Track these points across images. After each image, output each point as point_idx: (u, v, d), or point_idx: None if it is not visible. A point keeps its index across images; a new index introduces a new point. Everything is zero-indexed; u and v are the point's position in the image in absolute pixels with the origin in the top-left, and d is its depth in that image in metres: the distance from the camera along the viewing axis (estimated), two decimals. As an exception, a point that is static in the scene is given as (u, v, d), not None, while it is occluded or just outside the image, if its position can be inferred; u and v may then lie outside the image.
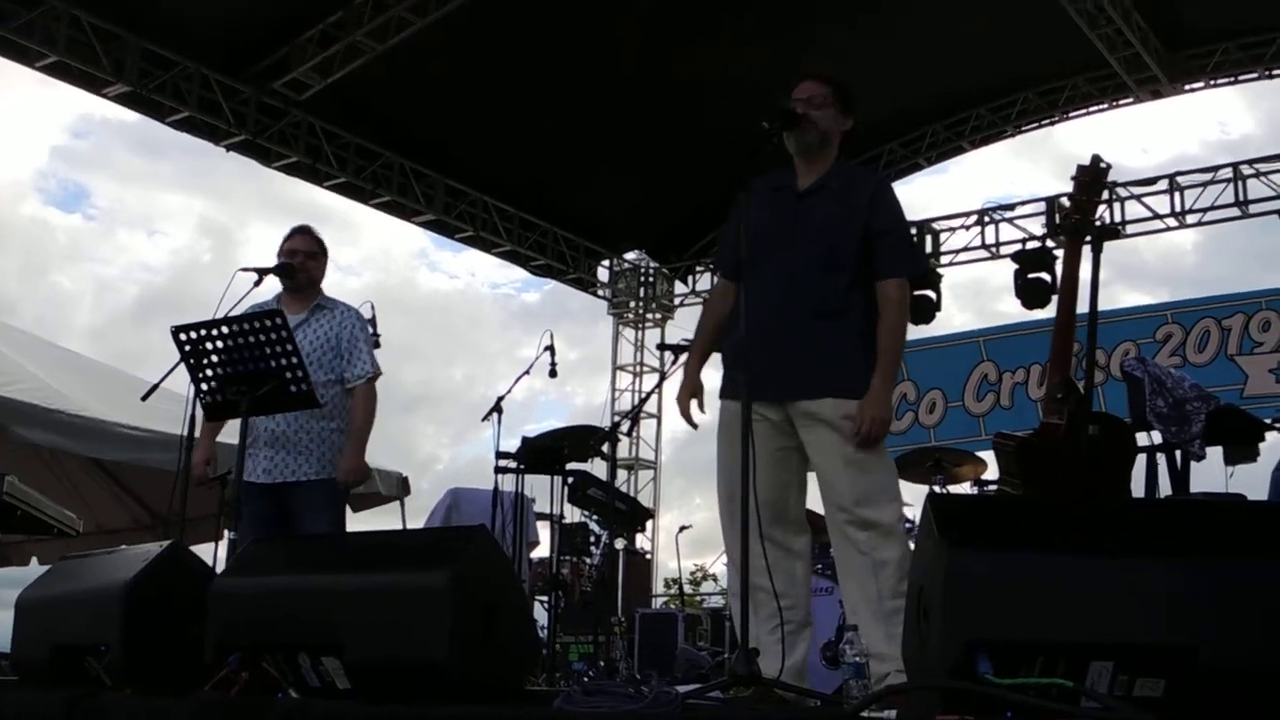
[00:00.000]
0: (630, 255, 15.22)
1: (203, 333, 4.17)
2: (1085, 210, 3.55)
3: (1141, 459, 4.91)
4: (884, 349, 3.62)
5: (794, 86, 3.82)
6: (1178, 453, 5.06)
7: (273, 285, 5.07)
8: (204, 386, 4.26)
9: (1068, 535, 2.44)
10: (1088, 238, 3.55)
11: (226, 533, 4.44)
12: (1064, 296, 3.59)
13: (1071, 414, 3.44)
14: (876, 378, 3.57)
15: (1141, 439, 4.92)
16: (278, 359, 4.15)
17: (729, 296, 3.84)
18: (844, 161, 3.88)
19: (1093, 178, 3.55)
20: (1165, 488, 5.07)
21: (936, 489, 6.68)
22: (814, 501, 3.86)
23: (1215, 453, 5.34)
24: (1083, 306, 3.62)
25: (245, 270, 4.81)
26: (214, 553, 5.89)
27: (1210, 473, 5.44)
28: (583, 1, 10.14)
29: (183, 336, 4.19)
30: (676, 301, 15.32)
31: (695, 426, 3.85)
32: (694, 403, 3.89)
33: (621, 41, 10.73)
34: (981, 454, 7.11)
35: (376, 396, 4.98)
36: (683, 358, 6.03)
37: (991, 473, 6.76)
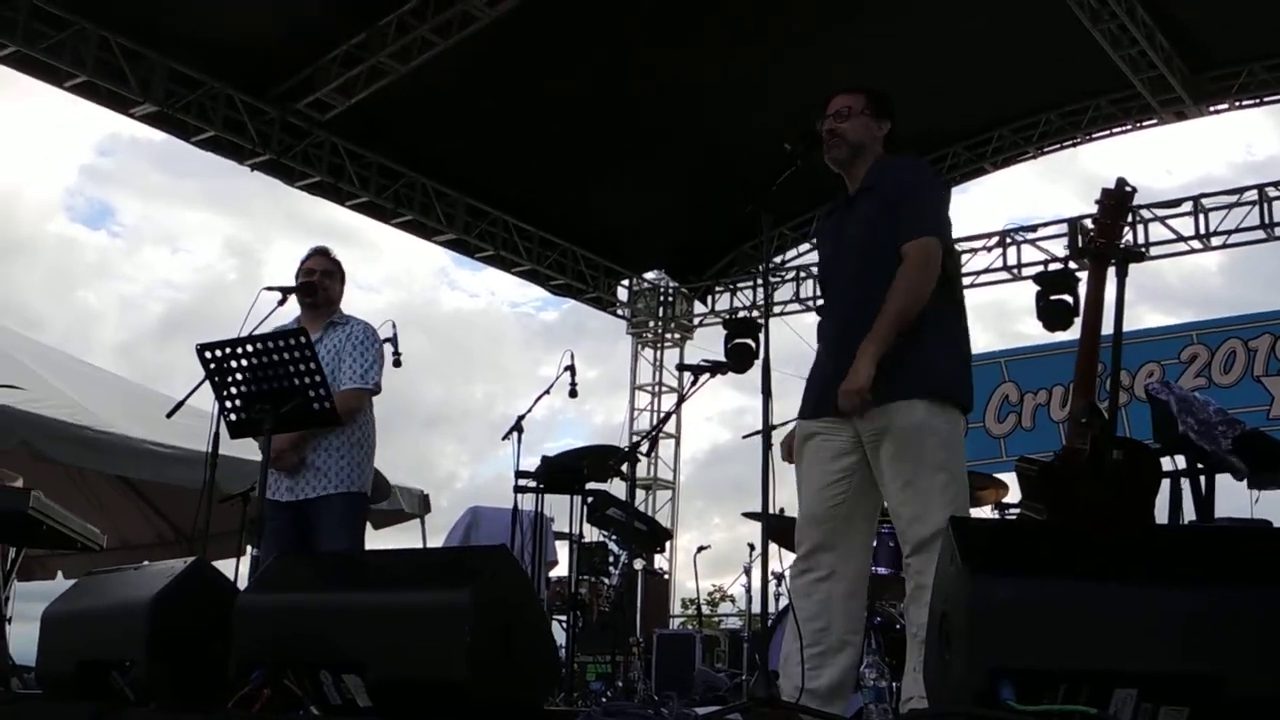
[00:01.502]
0: (650, 275, 15.24)
1: (227, 351, 4.20)
2: (1110, 234, 3.54)
3: (1166, 484, 4.88)
4: (885, 306, 3.40)
5: (826, 104, 3.78)
6: (1203, 478, 5.02)
7: (294, 306, 5.09)
8: (228, 404, 4.29)
9: (1091, 562, 2.43)
10: (1112, 261, 3.54)
11: (249, 549, 4.46)
12: (1088, 321, 3.57)
13: (1095, 439, 3.42)
14: (865, 341, 3.37)
15: (1165, 463, 4.89)
16: (301, 377, 4.18)
17: None
18: (884, 156, 3.72)
19: (1117, 201, 3.54)
20: (1190, 513, 5.03)
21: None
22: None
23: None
24: (1107, 329, 3.61)
25: (270, 289, 4.83)
26: (236, 569, 5.91)
27: (1235, 498, 5.39)
28: (604, 22, 10.19)
29: (207, 355, 4.22)
30: (696, 321, 15.33)
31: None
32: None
33: (643, 61, 10.77)
34: (1002, 476, 7.06)
35: (360, 410, 4.84)
36: (703, 378, 6.07)
37: (1013, 496, 6.71)
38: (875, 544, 5.59)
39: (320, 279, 5.01)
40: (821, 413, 3.56)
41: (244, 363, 4.20)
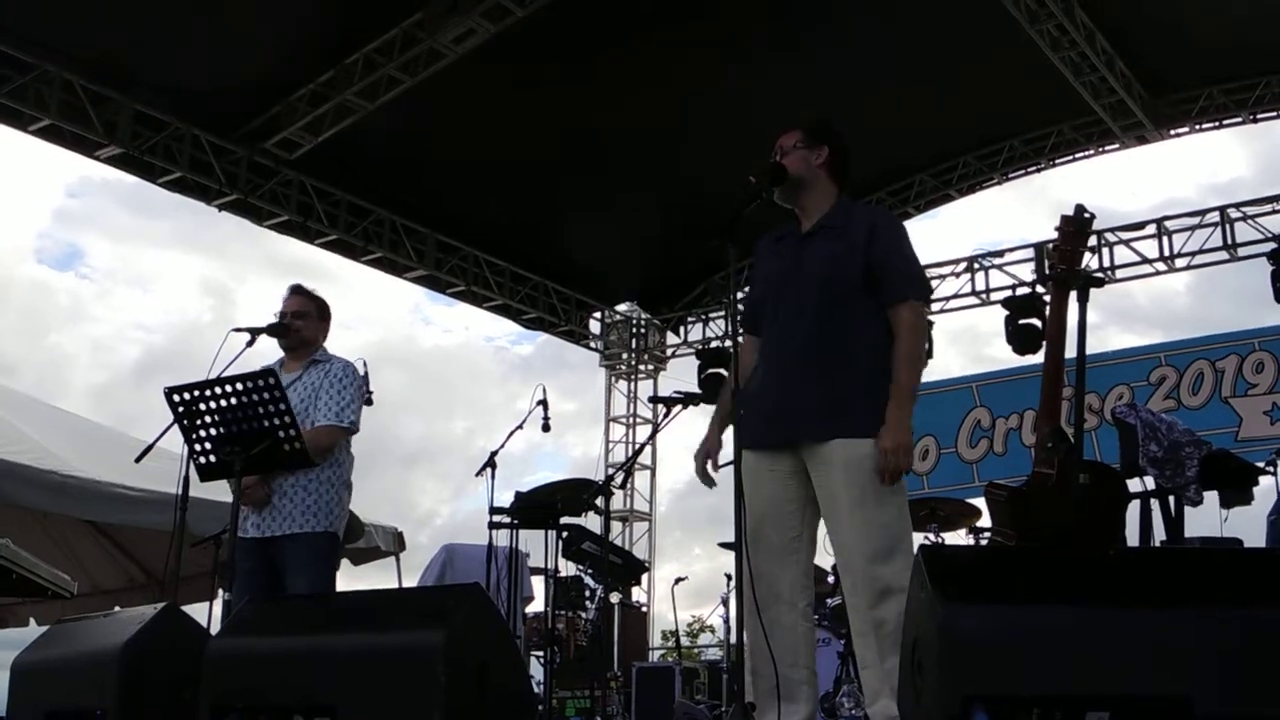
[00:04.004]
0: (622, 307, 15.26)
1: (196, 394, 4.18)
2: (1070, 260, 3.59)
3: (1136, 505, 4.91)
4: (899, 376, 3.52)
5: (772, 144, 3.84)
6: (1171, 498, 5.06)
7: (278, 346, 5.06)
8: (198, 447, 4.26)
9: (1061, 586, 2.45)
10: (1073, 287, 3.58)
11: (221, 592, 4.42)
12: (1051, 347, 3.61)
13: (1062, 463, 3.45)
14: (893, 406, 3.46)
15: (1134, 485, 4.93)
16: (271, 419, 4.16)
17: (749, 352, 3.84)
18: (845, 199, 3.82)
19: (1077, 228, 3.59)
20: (1160, 534, 5.06)
21: (930, 537, 6.67)
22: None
23: (1211, 497, 5.34)
24: (1071, 353, 3.64)
25: (238, 330, 4.81)
26: (208, 612, 5.84)
27: (1206, 517, 5.44)
28: (572, 58, 10.25)
29: (176, 398, 4.20)
30: (669, 353, 15.34)
31: (712, 484, 3.75)
32: (709, 462, 3.78)
33: (611, 95, 10.83)
34: (975, 501, 7.11)
35: (334, 447, 4.79)
36: (675, 410, 6.07)
37: (987, 520, 6.75)
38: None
39: (291, 320, 4.98)
40: (768, 443, 3.58)
41: (213, 405, 4.17)
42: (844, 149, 3.82)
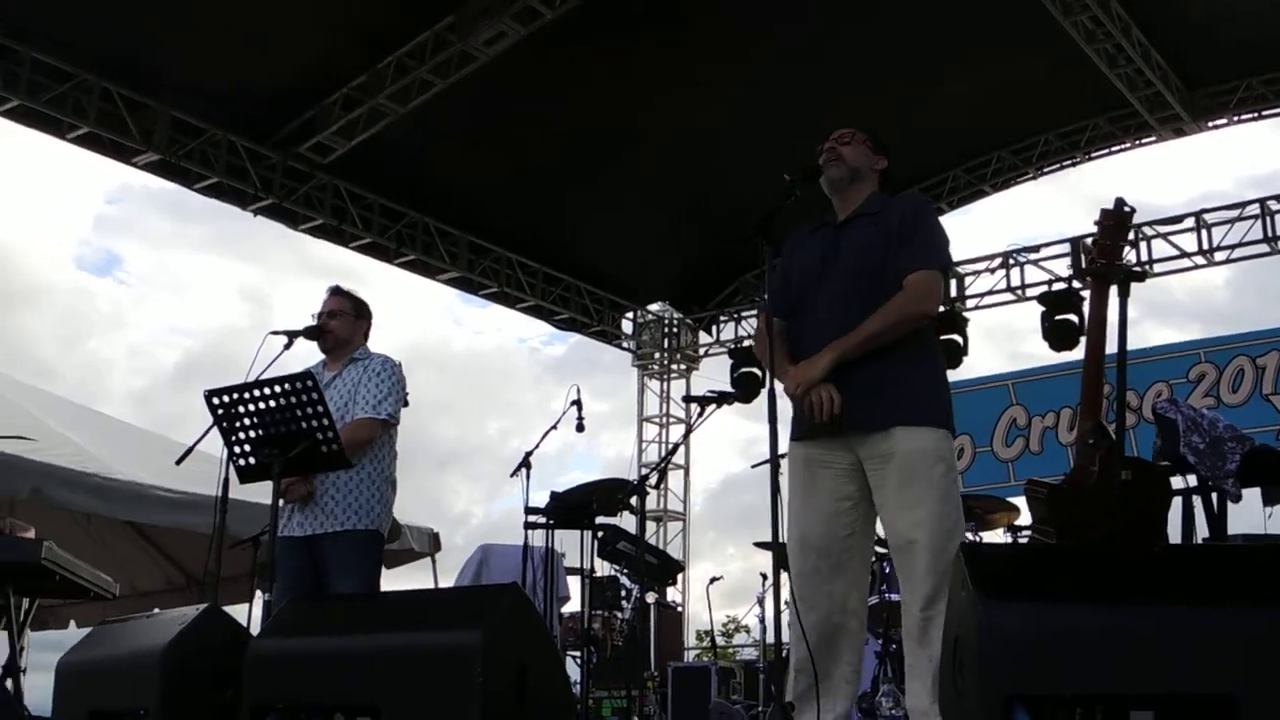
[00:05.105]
0: (654, 306, 15.26)
1: (235, 396, 4.21)
2: (1110, 254, 3.54)
3: (1178, 502, 4.86)
4: (868, 321, 3.45)
5: (828, 134, 3.83)
6: (1214, 495, 5.01)
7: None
8: (237, 449, 4.30)
9: (1103, 584, 2.43)
10: (1113, 281, 3.54)
11: (260, 593, 4.44)
12: (1091, 342, 3.58)
13: (1103, 459, 3.41)
14: (834, 343, 3.44)
15: (1177, 482, 4.88)
16: (309, 420, 4.18)
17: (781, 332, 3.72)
18: (881, 193, 3.79)
19: (1117, 221, 3.55)
20: (1203, 530, 5.01)
21: (968, 536, 6.62)
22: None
23: (1253, 493, 5.27)
24: (1111, 349, 3.60)
25: (275, 333, 4.83)
26: (248, 613, 5.89)
27: (1249, 514, 5.36)
28: (604, 58, 10.26)
29: (215, 401, 4.23)
30: (701, 352, 15.32)
31: (835, 414, 3.43)
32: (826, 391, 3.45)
33: (643, 96, 10.84)
34: (1012, 499, 7.05)
35: (372, 440, 4.77)
36: (709, 409, 6.06)
37: (1025, 518, 6.69)
38: (888, 570, 5.59)
39: (325, 320, 5.01)
40: (817, 434, 3.54)
41: (251, 408, 4.20)
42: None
